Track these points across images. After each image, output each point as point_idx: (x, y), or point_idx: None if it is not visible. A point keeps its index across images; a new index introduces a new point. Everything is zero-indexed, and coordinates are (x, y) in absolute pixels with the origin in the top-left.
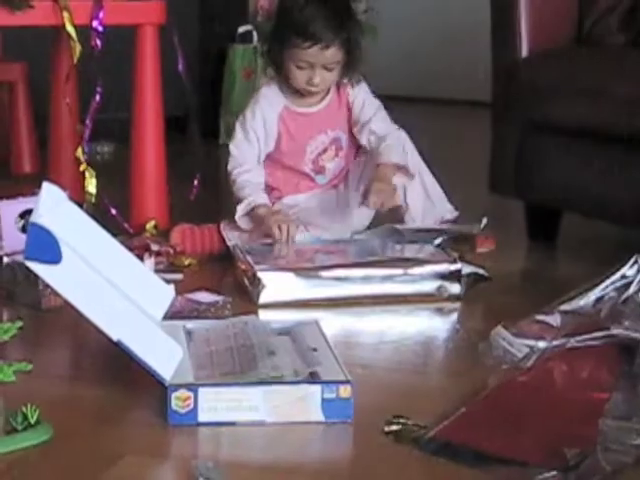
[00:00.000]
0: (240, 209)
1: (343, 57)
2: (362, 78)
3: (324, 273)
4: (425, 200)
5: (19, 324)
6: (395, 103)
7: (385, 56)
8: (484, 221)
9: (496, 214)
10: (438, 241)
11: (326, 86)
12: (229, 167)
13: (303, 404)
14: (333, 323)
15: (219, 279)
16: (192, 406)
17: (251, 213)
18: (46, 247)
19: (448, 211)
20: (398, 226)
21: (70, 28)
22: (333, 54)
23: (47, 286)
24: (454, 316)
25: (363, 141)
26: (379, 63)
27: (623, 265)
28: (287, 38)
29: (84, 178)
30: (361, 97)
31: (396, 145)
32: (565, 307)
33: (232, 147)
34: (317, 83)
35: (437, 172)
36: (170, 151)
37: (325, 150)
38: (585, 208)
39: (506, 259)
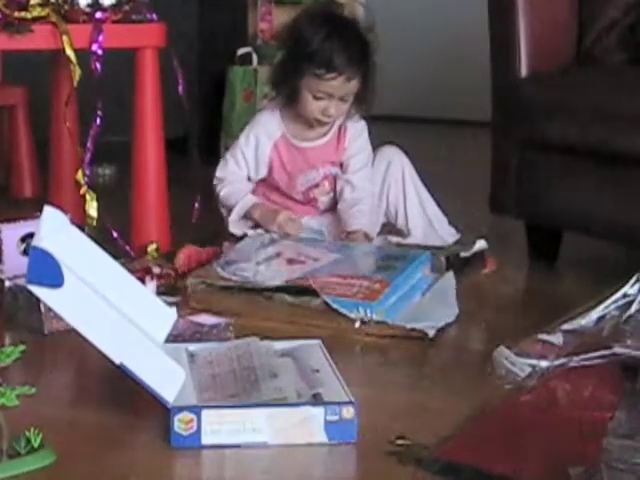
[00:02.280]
0: (234, 214)
1: (358, 89)
2: (364, 120)
3: None
4: (426, 225)
5: (21, 348)
6: (397, 124)
7: (387, 76)
8: (481, 243)
9: (497, 234)
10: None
11: (339, 117)
12: (213, 185)
13: (306, 426)
14: (334, 343)
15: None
16: (195, 428)
17: (248, 215)
18: (48, 271)
19: (450, 235)
20: (394, 239)
21: (70, 52)
22: (354, 86)
23: (49, 310)
24: (456, 336)
25: (338, 186)
26: (381, 83)
27: (625, 284)
28: (306, 68)
29: (85, 201)
30: (357, 146)
31: (369, 212)
32: (567, 326)
33: (219, 168)
34: (333, 114)
35: (439, 192)
36: (170, 173)
37: (317, 185)
38: (586, 227)
39: (507, 279)
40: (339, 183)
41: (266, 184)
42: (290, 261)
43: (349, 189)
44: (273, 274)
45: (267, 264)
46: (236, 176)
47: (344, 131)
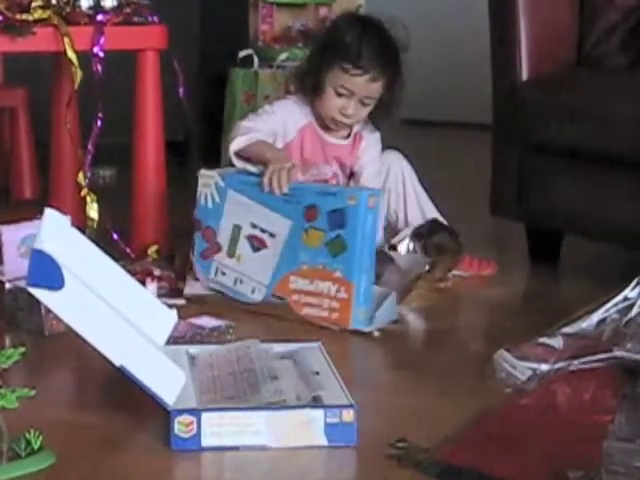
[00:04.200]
0: (242, 139)
1: (382, 97)
2: (379, 133)
3: None
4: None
5: (22, 350)
6: (402, 126)
7: None
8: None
9: (498, 237)
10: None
11: (356, 120)
12: (232, 135)
13: (306, 428)
14: (335, 346)
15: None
16: (195, 431)
17: (251, 147)
18: (48, 273)
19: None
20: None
21: (71, 54)
22: (377, 89)
23: (49, 312)
24: (457, 339)
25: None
26: None
27: (625, 287)
28: (335, 63)
29: (85, 203)
30: (370, 155)
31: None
32: (567, 329)
33: (247, 120)
34: (350, 114)
35: (439, 195)
36: (171, 175)
37: (325, 181)
38: (586, 230)
39: (508, 282)
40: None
41: None
42: (252, 243)
43: None
44: (252, 284)
45: (237, 256)
46: (264, 129)
47: (359, 139)
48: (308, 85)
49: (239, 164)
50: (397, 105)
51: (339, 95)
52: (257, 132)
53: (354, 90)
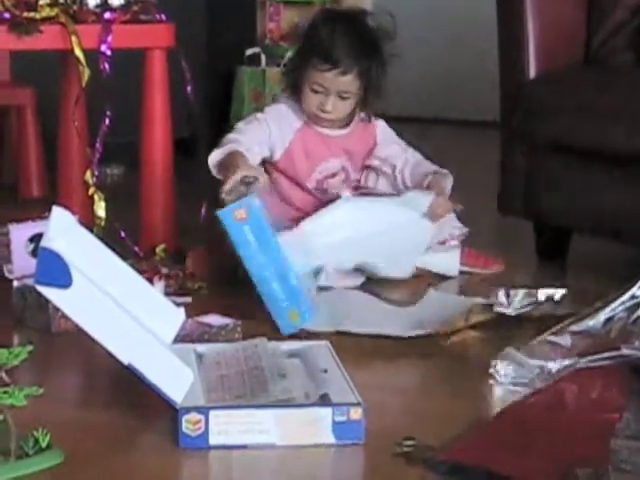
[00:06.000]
0: (217, 152)
1: (360, 89)
2: (380, 116)
3: None
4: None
5: (29, 348)
6: (407, 123)
7: (393, 76)
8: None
9: (506, 234)
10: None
11: (338, 115)
12: (222, 142)
13: (314, 426)
14: (344, 344)
15: (229, 302)
16: (203, 429)
17: (226, 159)
18: (56, 271)
19: (457, 228)
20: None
21: (78, 52)
22: (349, 82)
23: (57, 310)
24: (463, 337)
25: (397, 170)
26: (391, 83)
27: (633, 285)
28: (308, 59)
29: (93, 202)
30: (390, 136)
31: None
32: (575, 327)
33: (237, 125)
34: (329, 110)
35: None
36: (178, 174)
37: (334, 175)
38: (594, 227)
39: (515, 279)
40: (398, 165)
41: (279, 170)
42: None
43: (407, 163)
44: None
45: None
46: (253, 138)
47: (374, 128)
48: (289, 84)
49: (219, 177)
50: (377, 94)
51: (315, 92)
52: (237, 144)
53: (327, 86)
